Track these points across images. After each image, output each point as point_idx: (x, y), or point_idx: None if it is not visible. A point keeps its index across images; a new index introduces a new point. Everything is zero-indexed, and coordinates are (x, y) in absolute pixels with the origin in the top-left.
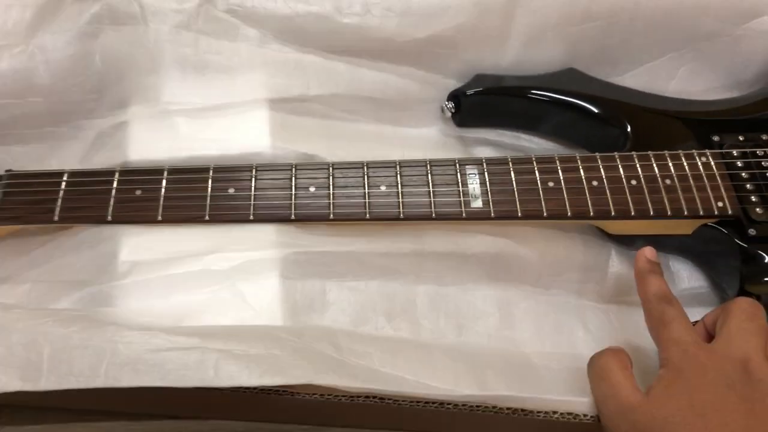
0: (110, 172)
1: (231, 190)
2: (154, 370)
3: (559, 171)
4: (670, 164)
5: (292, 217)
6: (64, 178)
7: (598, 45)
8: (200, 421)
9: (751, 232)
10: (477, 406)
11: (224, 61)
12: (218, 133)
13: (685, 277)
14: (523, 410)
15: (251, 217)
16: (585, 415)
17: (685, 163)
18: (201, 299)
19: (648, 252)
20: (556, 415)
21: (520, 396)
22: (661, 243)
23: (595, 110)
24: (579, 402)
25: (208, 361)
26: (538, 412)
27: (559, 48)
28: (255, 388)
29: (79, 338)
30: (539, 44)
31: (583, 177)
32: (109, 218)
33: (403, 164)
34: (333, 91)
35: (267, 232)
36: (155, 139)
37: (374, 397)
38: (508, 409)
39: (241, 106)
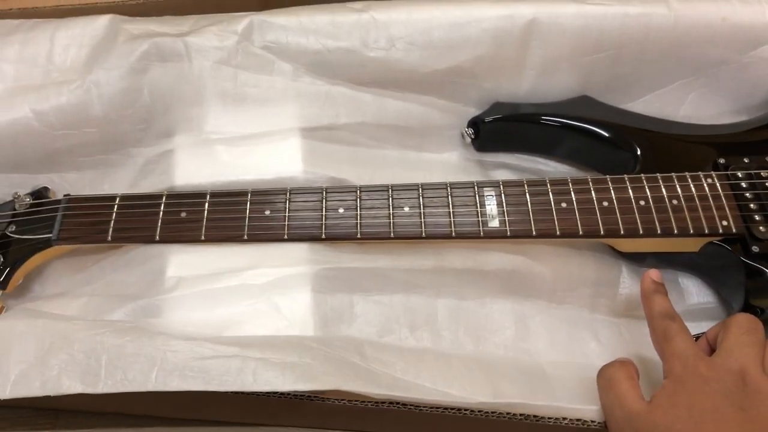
0: (158, 196)
1: (267, 212)
2: (199, 376)
3: (572, 192)
4: (677, 186)
5: (323, 236)
6: (117, 202)
7: (610, 74)
8: (236, 427)
9: (755, 249)
10: (492, 412)
11: (261, 93)
12: (255, 160)
13: (694, 293)
14: (535, 416)
15: (285, 237)
16: (593, 422)
17: (691, 185)
18: (240, 311)
19: (653, 274)
20: (565, 421)
21: (532, 404)
22: (670, 260)
23: (606, 135)
24: (588, 410)
25: (247, 368)
26: (549, 418)
27: (573, 77)
28: (289, 394)
29: (132, 347)
30: (553, 73)
31: (594, 198)
32: (157, 238)
33: (425, 187)
34: (360, 119)
35: (300, 249)
36: (198, 165)
37: (397, 403)
38: (521, 415)
39: (276, 134)
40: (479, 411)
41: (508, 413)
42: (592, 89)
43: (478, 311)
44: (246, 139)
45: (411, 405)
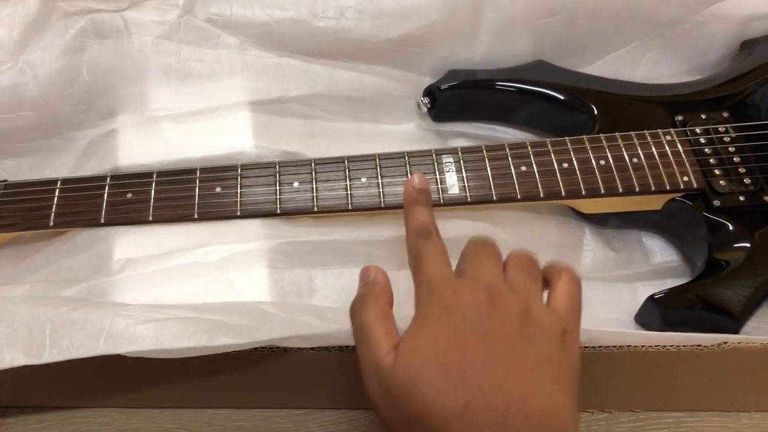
0: (102, 178)
1: (218, 189)
2: (151, 337)
3: (531, 156)
4: (637, 143)
5: (278, 211)
6: (58, 185)
7: (565, 37)
8: (198, 410)
9: (716, 203)
10: None
11: (206, 68)
12: (203, 136)
13: (658, 252)
14: None
15: (238, 213)
16: None
17: (651, 142)
18: (193, 290)
19: (416, 179)
20: None
21: None
22: (633, 220)
23: (563, 98)
24: None
25: (202, 329)
26: None
27: (528, 41)
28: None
29: (78, 314)
30: (508, 38)
31: (554, 160)
32: (102, 221)
33: (382, 157)
34: (312, 91)
35: (254, 225)
36: (143, 144)
37: None
38: None
39: (225, 109)
40: None
41: None
42: (548, 53)
43: None
44: (193, 116)
45: None
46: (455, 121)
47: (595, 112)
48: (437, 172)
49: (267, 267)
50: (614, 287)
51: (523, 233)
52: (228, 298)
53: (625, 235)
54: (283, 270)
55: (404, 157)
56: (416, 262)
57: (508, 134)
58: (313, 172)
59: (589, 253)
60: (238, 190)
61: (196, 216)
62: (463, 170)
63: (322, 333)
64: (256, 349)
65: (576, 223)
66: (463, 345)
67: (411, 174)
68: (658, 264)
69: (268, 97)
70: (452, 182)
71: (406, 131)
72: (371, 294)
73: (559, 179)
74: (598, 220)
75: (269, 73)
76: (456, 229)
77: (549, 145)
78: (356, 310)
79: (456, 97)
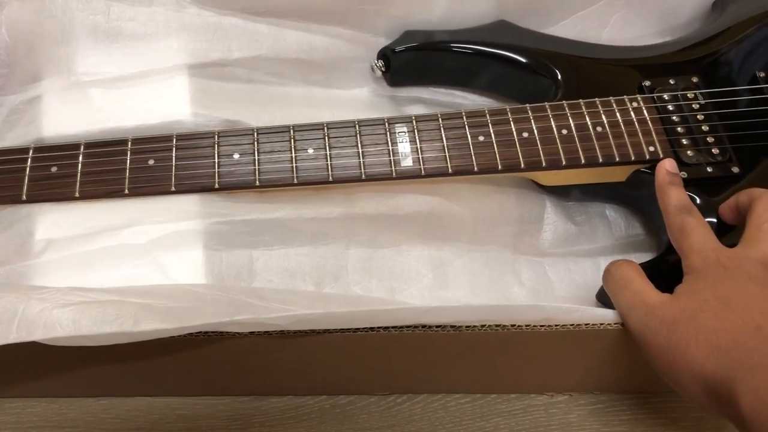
0: (24, 150)
1: (151, 162)
2: (68, 322)
3: (490, 125)
4: (601, 111)
5: (216, 185)
6: None
7: None
8: (134, 399)
9: (683, 174)
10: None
11: (139, 27)
12: (136, 103)
13: (622, 225)
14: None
15: (173, 189)
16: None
17: (616, 110)
18: (121, 275)
19: (668, 164)
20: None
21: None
22: (597, 192)
23: (524, 61)
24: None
25: (126, 312)
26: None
27: (489, 0)
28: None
29: None
30: None
31: (513, 129)
32: (24, 197)
33: (330, 126)
34: (256, 53)
35: (189, 202)
36: (70, 112)
37: (307, 332)
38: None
39: (159, 73)
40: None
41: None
42: (510, 13)
43: (393, 259)
44: (124, 81)
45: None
46: (411, 85)
47: (559, 77)
48: (389, 143)
49: (203, 248)
50: (576, 263)
51: (481, 207)
52: (158, 283)
53: (587, 207)
54: (221, 251)
55: (355, 126)
56: (682, 234)
57: (467, 100)
58: (256, 143)
59: (549, 227)
60: (173, 163)
61: (126, 191)
62: (418, 141)
63: (262, 319)
64: (190, 334)
65: (536, 196)
66: (746, 291)
67: (361, 142)
68: (622, 238)
69: (208, 60)
70: (405, 153)
71: (359, 96)
72: (624, 259)
73: (519, 150)
74: (560, 193)
75: (209, 33)
76: (410, 205)
77: (509, 113)
78: (613, 269)
79: (412, 59)
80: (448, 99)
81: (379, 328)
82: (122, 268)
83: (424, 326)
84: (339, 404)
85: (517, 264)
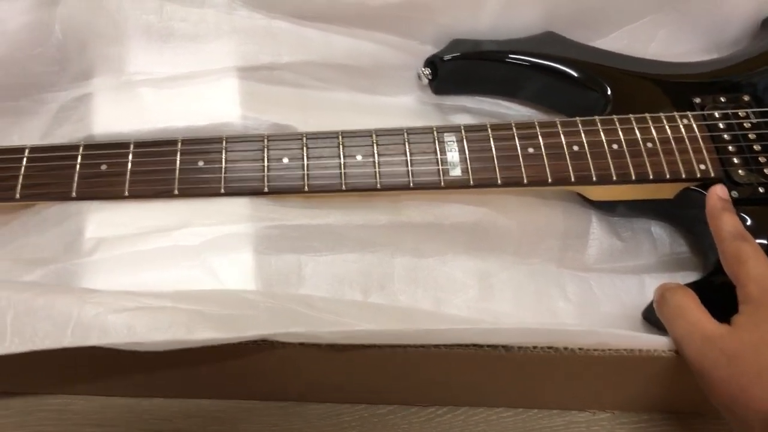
0: (74, 147)
1: (200, 163)
2: (123, 328)
3: (539, 137)
4: (652, 127)
5: (265, 189)
6: (26, 154)
7: (577, 7)
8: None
9: (734, 194)
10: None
11: (190, 28)
12: (186, 104)
13: (667, 243)
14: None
15: (222, 191)
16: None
17: (666, 126)
18: (171, 276)
19: (719, 190)
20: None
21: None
22: (643, 208)
23: (575, 74)
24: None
25: (179, 320)
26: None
27: (538, 11)
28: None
29: (44, 300)
30: (517, 7)
31: (563, 142)
32: (74, 194)
33: (379, 133)
34: (304, 58)
35: (239, 205)
36: (120, 111)
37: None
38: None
39: (210, 75)
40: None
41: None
42: (558, 25)
43: (438, 269)
44: (175, 81)
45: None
46: (457, 94)
47: (609, 91)
48: (438, 152)
49: (253, 252)
50: (621, 279)
51: (527, 220)
52: (209, 286)
53: (633, 223)
54: (270, 256)
55: (403, 134)
56: (738, 262)
57: (513, 110)
58: (305, 148)
59: (595, 242)
60: (223, 165)
61: (176, 192)
62: (466, 150)
63: (316, 332)
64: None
65: (582, 210)
66: None
67: (410, 151)
68: (667, 255)
69: (258, 63)
70: (454, 163)
71: (405, 104)
72: (679, 285)
73: (569, 163)
74: (606, 207)
75: (259, 36)
76: (456, 215)
77: (559, 126)
78: (668, 296)
79: (459, 68)
80: (493, 109)
81: (429, 344)
82: (172, 270)
83: (474, 345)
84: (378, 413)
85: (562, 278)
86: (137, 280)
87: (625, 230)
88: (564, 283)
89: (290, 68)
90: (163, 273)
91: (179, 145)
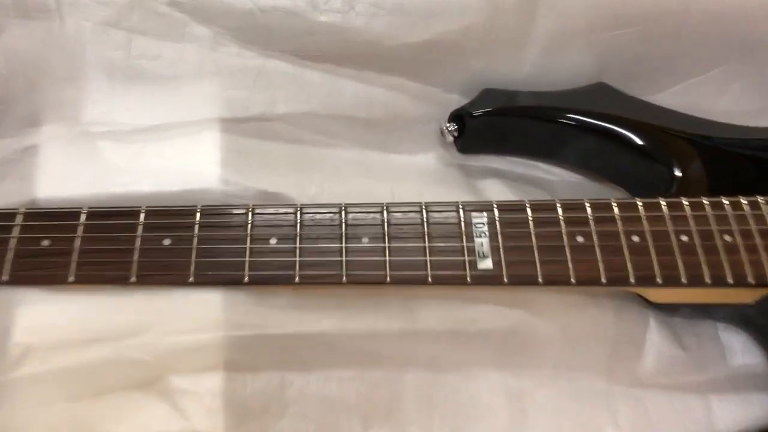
0: (10, 215)
1: (166, 242)
2: None
3: (591, 222)
4: (729, 215)
5: (246, 279)
6: None
7: (635, 55)
8: None
9: None
10: None
11: (165, 68)
12: (154, 164)
13: (739, 351)
14: None
15: (191, 279)
16: None
17: (747, 214)
18: (115, 403)
19: None
20: None
21: None
22: (714, 311)
23: (638, 141)
24: None
25: None
26: None
27: (587, 58)
28: None
29: None
30: (563, 53)
31: (620, 231)
32: (6, 277)
33: (391, 208)
34: (304, 108)
35: (211, 303)
36: (72, 169)
37: None
38: None
39: (185, 127)
40: None
41: None
42: (610, 75)
43: (459, 388)
44: (141, 134)
45: None
46: (487, 153)
47: (675, 164)
48: (464, 236)
49: (223, 369)
50: (682, 400)
51: (572, 325)
52: (166, 420)
53: (696, 327)
54: (246, 374)
55: (421, 211)
56: None
57: (553, 175)
58: (299, 225)
59: (652, 350)
60: (194, 246)
61: (133, 279)
62: (499, 236)
63: None
64: None
65: (638, 311)
66: None
67: (428, 233)
68: (738, 368)
69: (246, 114)
70: (484, 252)
71: (424, 165)
72: None
73: (627, 259)
74: (667, 308)
75: (250, 79)
76: (485, 319)
77: (615, 209)
78: None
79: (490, 124)
80: (530, 172)
81: None
82: (118, 394)
83: None
84: None
85: (612, 398)
86: (72, 409)
87: (689, 336)
88: (614, 404)
89: (286, 119)
90: (105, 399)
91: (142, 216)
